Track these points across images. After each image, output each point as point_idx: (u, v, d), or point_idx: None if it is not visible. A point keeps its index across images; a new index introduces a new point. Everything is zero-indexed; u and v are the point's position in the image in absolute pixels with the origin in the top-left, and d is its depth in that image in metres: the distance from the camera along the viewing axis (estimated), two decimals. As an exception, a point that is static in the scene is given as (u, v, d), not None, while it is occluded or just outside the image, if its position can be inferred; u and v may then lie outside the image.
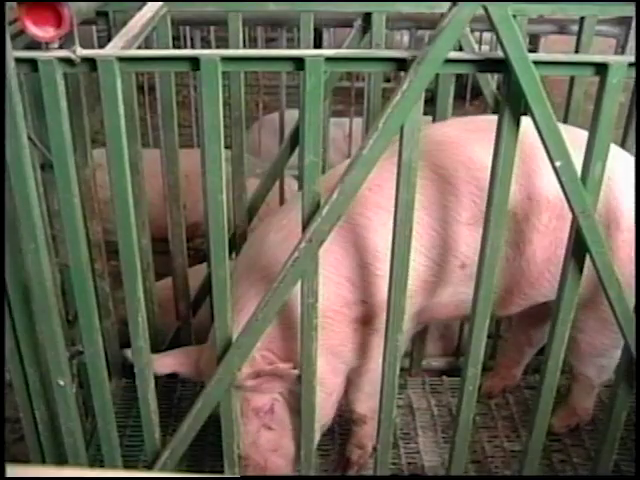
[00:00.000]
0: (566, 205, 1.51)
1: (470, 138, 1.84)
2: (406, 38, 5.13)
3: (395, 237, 1.53)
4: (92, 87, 1.83)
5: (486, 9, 1.28)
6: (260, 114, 4.21)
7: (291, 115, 2.72)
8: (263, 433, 1.93)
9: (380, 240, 1.75)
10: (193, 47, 4.05)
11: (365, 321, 1.84)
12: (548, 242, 1.84)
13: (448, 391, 2.58)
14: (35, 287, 1.51)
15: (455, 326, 2.68)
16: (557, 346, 1.68)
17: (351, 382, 2.07)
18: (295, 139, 2.19)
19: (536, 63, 1.34)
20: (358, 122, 3.81)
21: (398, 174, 1.46)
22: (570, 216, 1.54)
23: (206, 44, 4.18)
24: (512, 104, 1.40)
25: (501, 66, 1.36)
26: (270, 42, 5.13)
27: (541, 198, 1.79)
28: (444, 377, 2.66)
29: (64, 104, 1.35)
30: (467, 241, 1.80)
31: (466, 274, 1.82)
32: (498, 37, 1.31)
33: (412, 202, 1.48)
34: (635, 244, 1.67)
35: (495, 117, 1.46)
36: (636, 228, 1.71)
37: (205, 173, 1.45)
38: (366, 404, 2.07)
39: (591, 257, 1.55)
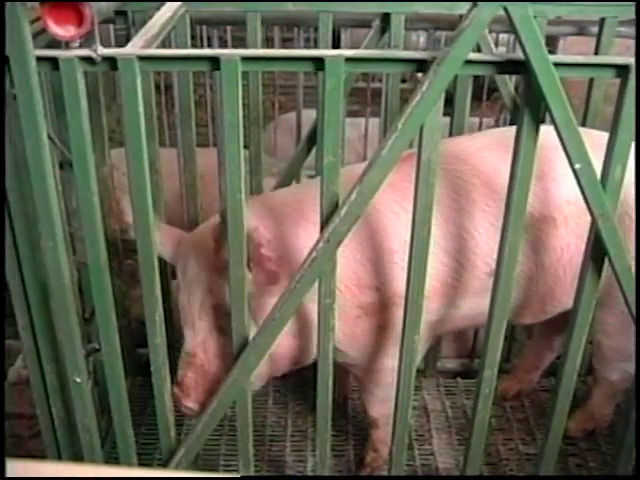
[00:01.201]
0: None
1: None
2: (422, 39, 5.12)
3: (413, 238, 1.52)
4: (107, 86, 1.83)
5: (507, 10, 1.27)
6: (276, 114, 4.21)
7: (307, 115, 2.72)
8: (214, 335, 1.84)
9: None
10: (210, 46, 4.05)
11: (372, 310, 1.81)
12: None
13: (463, 393, 2.58)
14: (53, 284, 1.53)
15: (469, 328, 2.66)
16: (574, 349, 1.67)
17: (363, 385, 2.07)
18: (312, 139, 2.19)
19: (557, 65, 1.32)
20: (374, 122, 3.80)
21: (417, 175, 1.45)
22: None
23: (223, 44, 4.17)
24: (532, 106, 1.39)
25: (521, 67, 1.35)
26: (286, 42, 5.11)
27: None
28: (459, 379, 2.66)
29: (84, 103, 1.35)
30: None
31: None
32: (518, 38, 1.30)
33: (431, 203, 1.48)
34: (635, 242, 1.65)
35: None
36: (636, 227, 1.70)
37: (224, 172, 1.45)
38: (378, 409, 2.07)
39: (609, 260, 1.54)
